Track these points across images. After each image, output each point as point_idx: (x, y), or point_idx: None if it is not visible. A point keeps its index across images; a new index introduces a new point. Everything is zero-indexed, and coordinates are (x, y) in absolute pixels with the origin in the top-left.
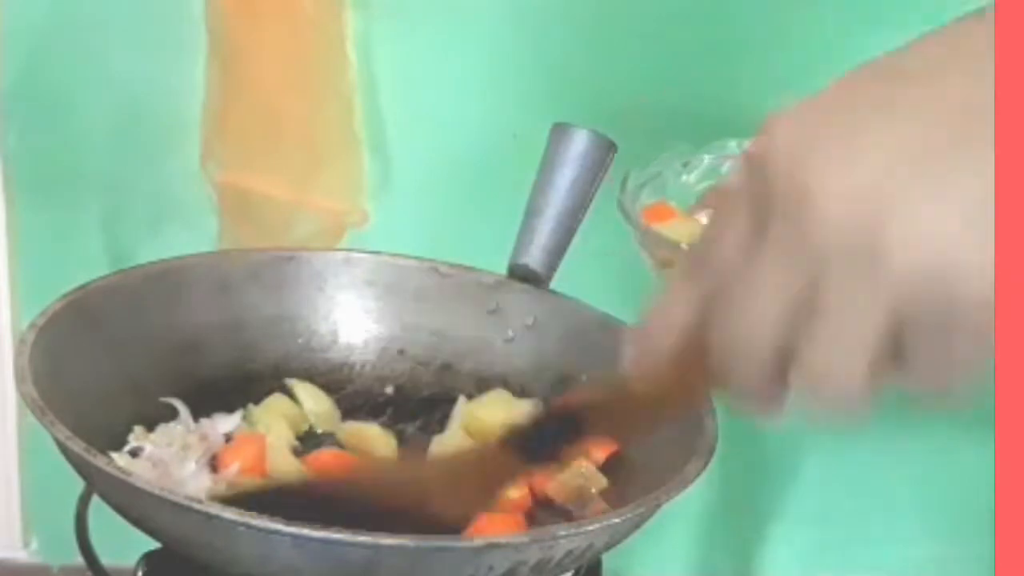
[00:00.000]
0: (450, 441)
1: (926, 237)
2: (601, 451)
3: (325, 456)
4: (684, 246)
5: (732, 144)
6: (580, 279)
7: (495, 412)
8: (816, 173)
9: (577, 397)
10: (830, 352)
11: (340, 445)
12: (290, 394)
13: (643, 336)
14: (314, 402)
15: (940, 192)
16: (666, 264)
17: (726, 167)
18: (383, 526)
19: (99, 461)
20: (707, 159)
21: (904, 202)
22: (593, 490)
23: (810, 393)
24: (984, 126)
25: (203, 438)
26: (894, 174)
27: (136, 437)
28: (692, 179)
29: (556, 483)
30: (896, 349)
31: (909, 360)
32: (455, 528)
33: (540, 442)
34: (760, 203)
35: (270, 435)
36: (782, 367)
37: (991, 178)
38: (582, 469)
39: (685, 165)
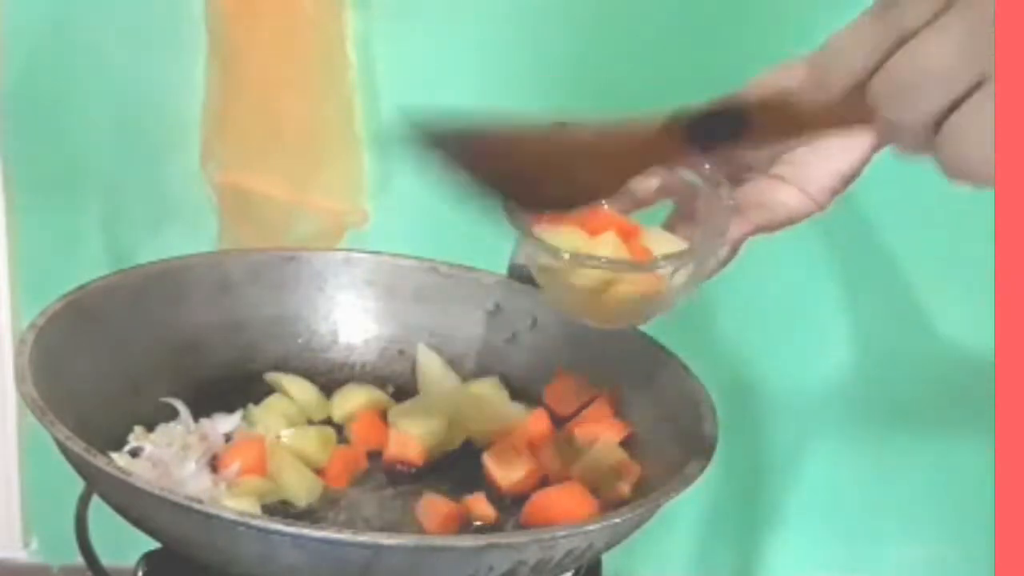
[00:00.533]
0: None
1: None
2: (616, 433)
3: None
4: (566, 255)
5: None
6: None
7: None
8: None
9: (748, 95)
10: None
11: (338, 428)
12: (272, 390)
13: (824, 59)
14: (299, 390)
15: None
16: (543, 270)
17: None
18: (536, 191)
19: (99, 461)
20: None
21: None
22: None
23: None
24: None
25: (203, 438)
26: None
27: (136, 437)
28: None
29: (582, 467)
30: None
31: None
32: (598, 196)
33: (704, 130)
34: None
35: (270, 435)
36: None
37: None
38: (612, 453)
39: None
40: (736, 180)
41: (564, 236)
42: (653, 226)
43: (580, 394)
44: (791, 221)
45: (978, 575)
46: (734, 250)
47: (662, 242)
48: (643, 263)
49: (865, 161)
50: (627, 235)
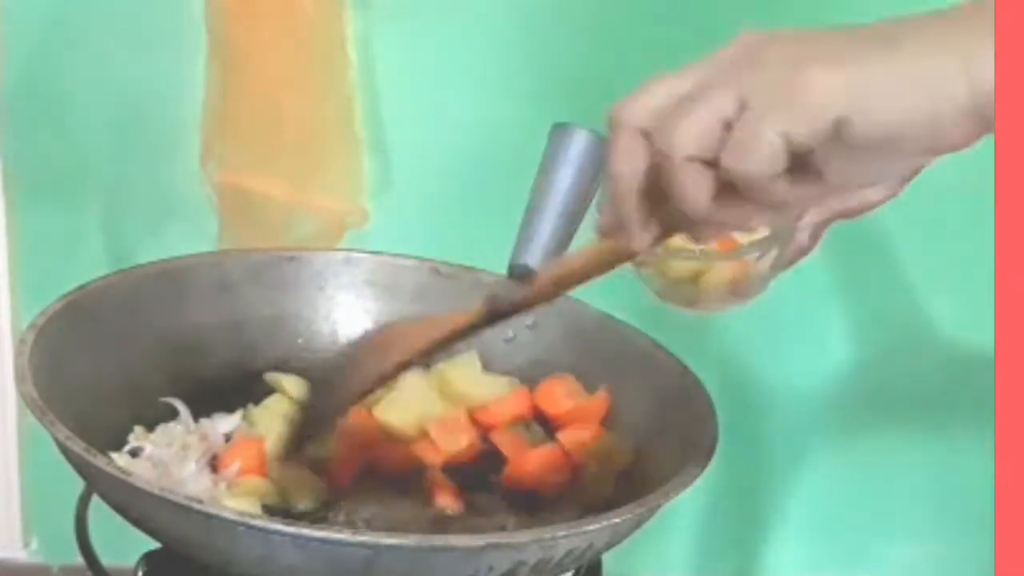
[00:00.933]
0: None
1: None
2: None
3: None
4: (659, 249)
5: None
6: None
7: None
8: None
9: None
10: (747, 151)
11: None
12: (272, 390)
13: (612, 195)
14: (299, 391)
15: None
16: (642, 264)
17: None
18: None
19: (99, 461)
20: None
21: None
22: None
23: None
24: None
25: (203, 438)
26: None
27: (136, 437)
28: None
29: (584, 451)
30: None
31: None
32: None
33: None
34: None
35: (270, 436)
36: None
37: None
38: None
39: None
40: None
41: None
42: None
43: (570, 396)
44: (867, 208)
45: (978, 575)
46: (815, 238)
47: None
48: (731, 251)
49: None
50: None
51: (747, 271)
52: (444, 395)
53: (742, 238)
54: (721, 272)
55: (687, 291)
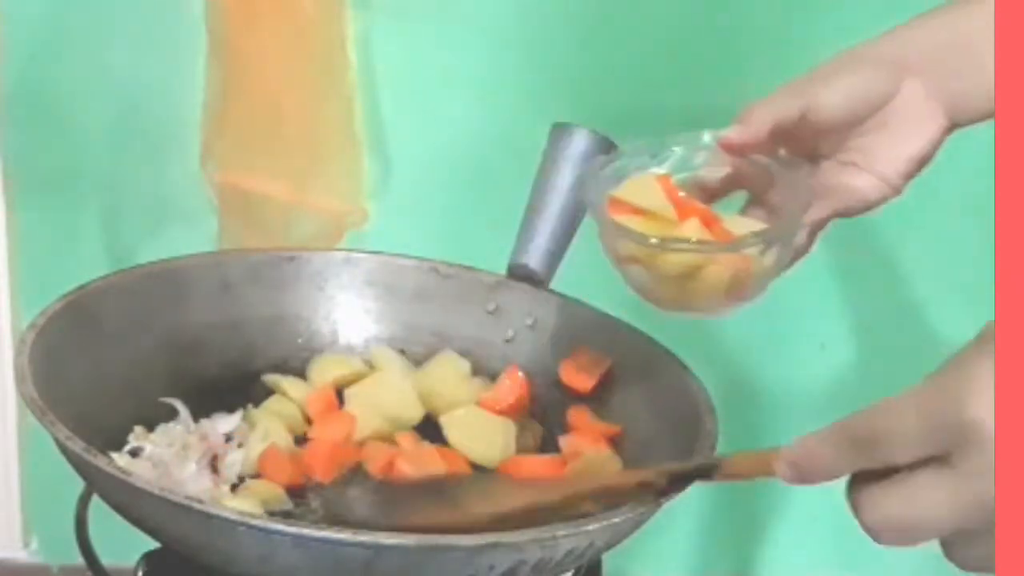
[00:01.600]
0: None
1: None
2: (605, 432)
3: None
4: (653, 240)
5: (705, 136)
6: (580, 279)
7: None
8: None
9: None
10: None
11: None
12: (270, 391)
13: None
14: (298, 392)
15: None
16: (629, 260)
17: (699, 159)
18: None
19: (99, 461)
20: (678, 151)
21: None
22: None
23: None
24: None
25: (203, 438)
26: None
27: (136, 437)
28: (662, 171)
29: (571, 469)
30: None
31: None
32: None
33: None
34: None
35: (269, 436)
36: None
37: None
38: (599, 454)
39: (653, 157)
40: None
41: (647, 224)
42: (731, 214)
43: (595, 368)
44: (868, 207)
45: None
46: (812, 236)
47: (744, 227)
48: (732, 242)
49: (936, 144)
50: (709, 223)
51: (748, 268)
52: (424, 398)
53: (742, 229)
54: (720, 268)
55: (680, 290)
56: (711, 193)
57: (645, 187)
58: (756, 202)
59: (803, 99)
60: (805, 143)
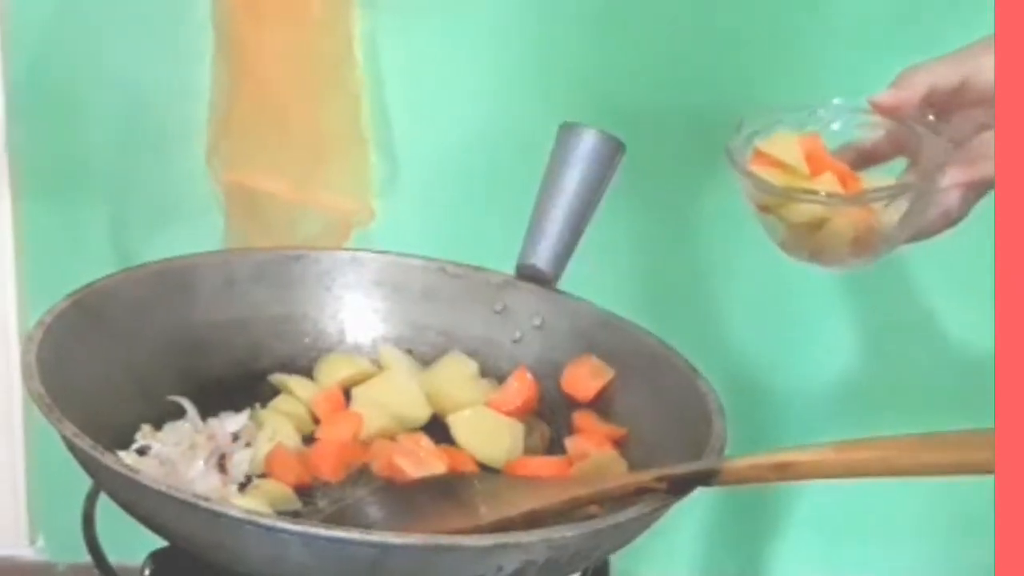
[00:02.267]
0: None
1: None
2: (612, 434)
3: None
4: (779, 189)
5: (863, 102)
6: (588, 279)
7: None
8: None
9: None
10: None
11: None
12: (278, 391)
13: None
14: (305, 391)
15: None
16: (764, 209)
17: (855, 123)
18: None
19: (106, 459)
20: (834, 114)
21: None
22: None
23: None
24: None
25: (211, 437)
26: None
27: (143, 435)
28: (813, 130)
29: (577, 470)
30: None
31: None
32: None
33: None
34: None
35: (277, 436)
36: None
37: None
38: (605, 455)
39: (811, 115)
40: (969, 135)
41: (783, 176)
42: (878, 175)
43: (598, 378)
44: None
45: (978, 575)
46: (965, 202)
47: (880, 185)
48: (854, 196)
49: None
50: (845, 179)
51: (872, 223)
52: (431, 398)
53: (868, 183)
54: (845, 221)
55: (810, 239)
56: (866, 157)
57: (786, 142)
58: (912, 167)
59: (965, 66)
60: (961, 111)
